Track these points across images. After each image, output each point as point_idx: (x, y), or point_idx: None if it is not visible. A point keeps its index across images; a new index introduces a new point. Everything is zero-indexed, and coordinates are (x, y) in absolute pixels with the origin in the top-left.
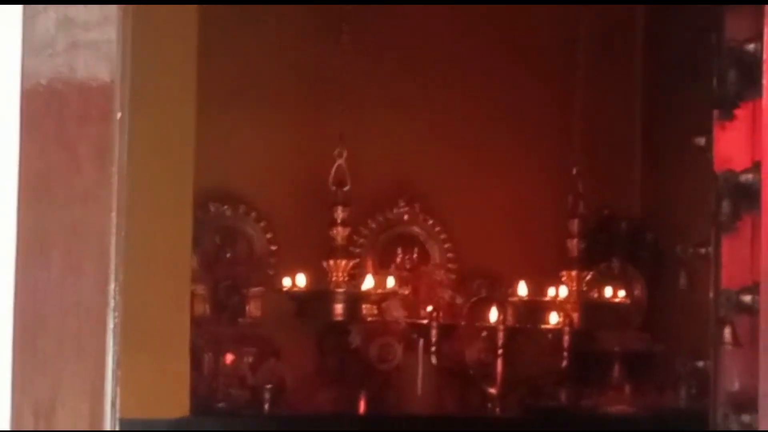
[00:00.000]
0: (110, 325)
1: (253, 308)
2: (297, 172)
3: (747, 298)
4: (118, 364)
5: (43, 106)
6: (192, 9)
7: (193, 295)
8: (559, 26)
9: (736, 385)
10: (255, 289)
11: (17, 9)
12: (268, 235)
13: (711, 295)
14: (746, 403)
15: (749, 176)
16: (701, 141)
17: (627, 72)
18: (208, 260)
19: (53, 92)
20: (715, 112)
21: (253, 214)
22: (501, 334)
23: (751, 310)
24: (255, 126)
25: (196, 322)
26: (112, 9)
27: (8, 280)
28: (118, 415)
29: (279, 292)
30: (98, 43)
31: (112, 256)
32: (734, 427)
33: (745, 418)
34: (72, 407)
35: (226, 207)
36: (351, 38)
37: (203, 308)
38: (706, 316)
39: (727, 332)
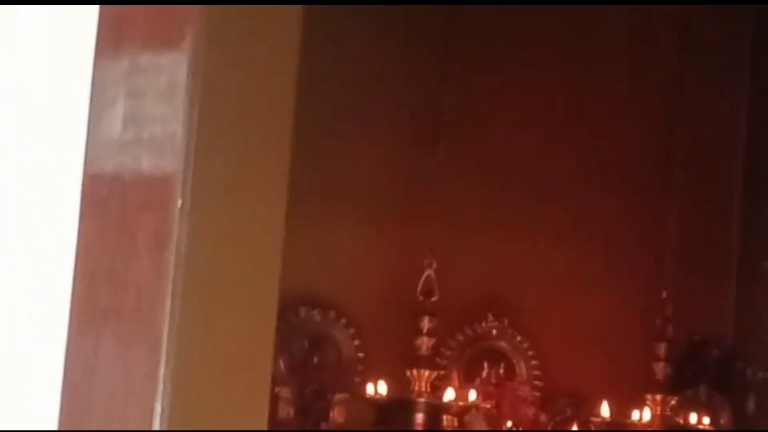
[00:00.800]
0: (158, 410)
1: (336, 414)
2: (387, 280)
3: None
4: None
5: (105, 191)
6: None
7: (277, 398)
8: (655, 141)
9: None
10: (340, 395)
11: (85, 101)
12: (356, 342)
13: None
14: None
15: None
16: None
17: (724, 193)
18: (295, 364)
19: (115, 178)
20: None
21: (343, 320)
22: None
23: None
24: (348, 231)
25: (279, 425)
26: (180, 104)
27: (59, 359)
28: None
29: (362, 399)
30: (163, 137)
31: (164, 343)
32: None
33: None
34: None
35: (316, 311)
36: (447, 148)
37: (287, 411)
38: None
39: None
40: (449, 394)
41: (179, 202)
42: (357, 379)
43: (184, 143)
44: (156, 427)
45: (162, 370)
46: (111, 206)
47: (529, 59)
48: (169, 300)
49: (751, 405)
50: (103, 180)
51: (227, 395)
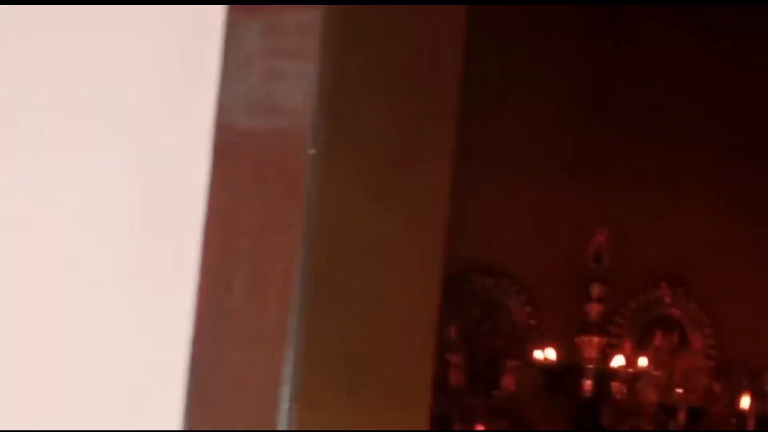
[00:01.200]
0: (288, 359)
1: (507, 380)
2: (559, 247)
3: None
4: (294, 407)
5: (237, 137)
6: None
7: (449, 364)
8: None
9: None
10: (511, 362)
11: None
12: (528, 309)
13: None
14: None
15: None
16: None
17: None
18: (466, 331)
19: (248, 121)
20: None
21: (515, 287)
22: (750, 423)
23: None
24: (521, 199)
25: (451, 391)
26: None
27: (189, 304)
28: None
29: (532, 365)
30: (297, 76)
31: (296, 288)
32: None
33: None
34: None
35: (489, 279)
36: (618, 114)
37: (458, 378)
38: None
39: None
40: (618, 361)
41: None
42: (528, 346)
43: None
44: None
45: (292, 316)
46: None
47: (708, 30)
48: (301, 246)
49: None
50: (236, 131)
51: (386, 361)
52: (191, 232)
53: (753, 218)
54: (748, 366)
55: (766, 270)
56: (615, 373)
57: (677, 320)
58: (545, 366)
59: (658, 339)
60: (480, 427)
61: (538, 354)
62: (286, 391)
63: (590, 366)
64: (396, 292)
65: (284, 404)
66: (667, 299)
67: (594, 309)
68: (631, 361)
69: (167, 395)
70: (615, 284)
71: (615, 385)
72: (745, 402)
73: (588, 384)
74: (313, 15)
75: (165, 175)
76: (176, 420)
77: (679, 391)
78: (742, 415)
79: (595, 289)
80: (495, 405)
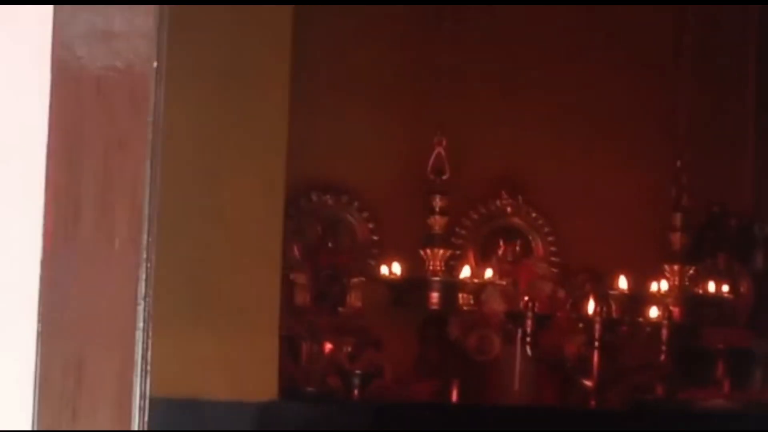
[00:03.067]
0: (142, 278)
1: (353, 298)
2: (400, 162)
3: None
4: (148, 326)
5: (76, 57)
6: None
7: (293, 284)
8: (667, 12)
9: None
10: (355, 279)
11: None
12: (370, 225)
13: None
14: None
15: None
16: None
17: (740, 57)
18: (309, 249)
19: (88, 42)
20: None
21: (356, 203)
22: (598, 327)
23: None
24: (358, 115)
25: (296, 311)
26: None
27: (36, 229)
28: (147, 386)
29: (378, 281)
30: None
31: (145, 209)
32: None
33: None
34: (99, 368)
35: (328, 196)
36: (453, 25)
37: (303, 297)
38: None
39: None
40: (465, 272)
41: (154, 64)
42: (372, 262)
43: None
44: (140, 302)
45: (145, 237)
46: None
47: None
48: (148, 164)
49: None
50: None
51: (234, 282)
52: (36, 153)
53: (592, 124)
54: (591, 271)
55: (606, 175)
56: (461, 285)
57: (519, 229)
58: (390, 281)
59: (501, 249)
60: (327, 345)
61: (383, 269)
62: (141, 311)
63: (436, 279)
64: (239, 212)
65: (140, 323)
66: (509, 209)
67: (437, 221)
68: (475, 272)
69: (20, 318)
70: (456, 196)
71: (461, 297)
72: (590, 307)
73: (434, 297)
74: None
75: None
76: (30, 345)
77: (525, 299)
78: (588, 319)
79: (437, 202)
80: (341, 322)
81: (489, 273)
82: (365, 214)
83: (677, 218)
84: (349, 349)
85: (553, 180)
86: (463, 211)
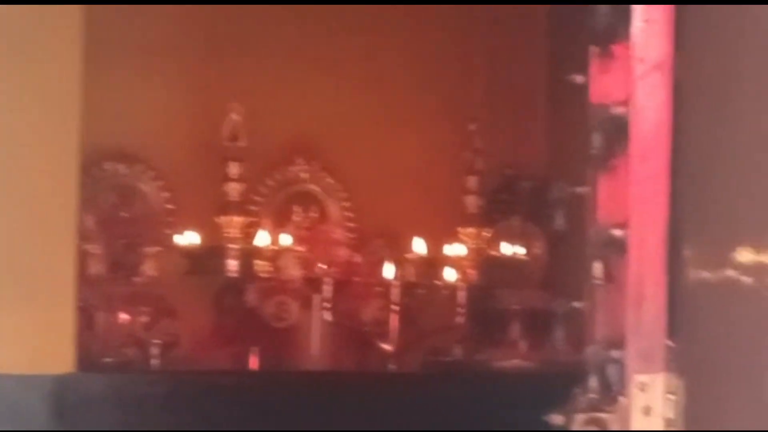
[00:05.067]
0: None
1: (149, 267)
2: (194, 129)
3: (618, 234)
4: None
5: None
6: None
7: (88, 254)
8: None
9: (607, 322)
10: (151, 248)
11: None
12: (165, 194)
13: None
14: (617, 339)
15: (620, 110)
16: (579, 78)
17: (530, 21)
18: (103, 219)
19: None
20: (592, 49)
21: (150, 172)
22: (396, 291)
23: (622, 246)
24: (151, 84)
25: (91, 281)
26: None
27: None
28: None
29: (174, 250)
30: None
31: None
32: (606, 363)
33: (615, 353)
34: None
35: (121, 165)
36: None
37: (98, 267)
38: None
39: (598, 268)
40: (261, 239)
41: None
42: (167, 231)
43: None
44: None
45: None
46: None
47: None
48: None
49: (561, 223)
50: None
51: (28, 254)
52: None
53: (386, 87)
54: (387, 235)
55: (400, 140)
56: (257, 252)
57: (315, 195)
58: (187, 249)
59: (297, 215)
60: (123, 315)
61: (179, 238)
62: None
63: (232, 246)
64: (32, 183)
65: None
66: (304, 174)
67: (233, 188)
68: (272, 239)
69: None
70: (251, 162)
71: (258, 264)
72: (387, 271)
73: (232, 264)
74: None
75: None
76: None
77: (322, 265)
78: (385, 283)
79: (233, 168)
80: (137, 292)
81: (285, 239)
82: (160, 183)
83: (471, 181)
84: (146, 318)
85: (348, 146)
86: (258, 177)
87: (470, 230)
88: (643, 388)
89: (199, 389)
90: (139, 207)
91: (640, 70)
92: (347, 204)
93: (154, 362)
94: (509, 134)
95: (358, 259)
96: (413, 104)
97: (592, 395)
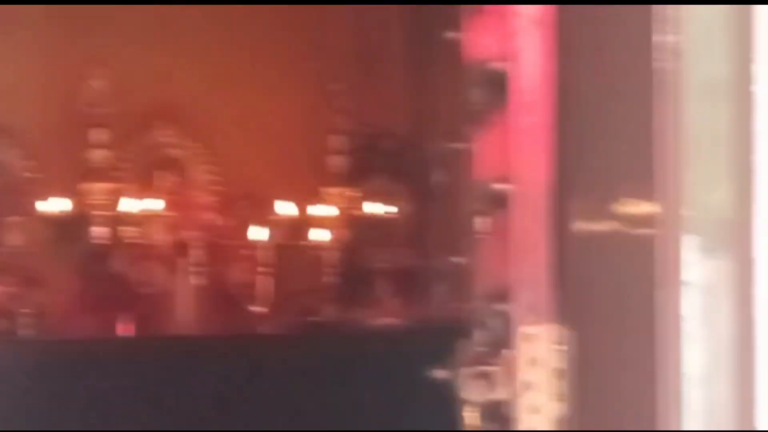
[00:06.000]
0: None
1: (11, 237)
2: (54, 96)
3: (500, 188)
4: None
5: None
6: None
7: None
8: None
9: (491, 276)
10: (11, 218)
11: None
12: (24, 162)
13: (465, 189)
14: (502, 292)
15: (499, 65)
16: (452, 35)
17: None
18: None
19: None
20: (465, 6)
21: (8, 140)
22: (264, 253)
23: (504, 200)
24: (6, 52)
25: None
26: None
27: None
28: None
29: (38, 219)
30: None
31: None
32: (490, 317)
33: (500, 306)
34: None
35: None
36: None
37: None
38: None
39: (481, 223)
40: (127, 205)
41: None
42: (29, 200)
43: None
44: None
45: None
46: None
47: None
48: None
49: (440, 179)
50: None
51: None
52: None
53: (245, 52)
54: (252, 197)
55: (262, 102)
56: (124, 218)
57: (179, 159)
58: (52, 218)
59: (162, 179)
60: None
61: (42, 206)
62: None
63: (97, 213)
64: None
65: None
66: (167, 139)
67: (97, 155)
68: (137, 205)
69: None
70: (115, 128)
71: (125, 230)
72: (256, 233)
73: (98, 231)
74: None
75: None
76: None
77: (188, 229)
78: (255, 245)
79: (96, 135)
80: (1, 262)
81: (151, 205)
82: (19, 152)
83: (335, 141)
84: (11, 288)
85: (210, 110)
86: (122, 143)
87: (335, 190)
88: (529, 339)
89: (68, 357)
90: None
91: (520, 25)
92: (211, 168)
93: (22, 332)
94: (372, 94)
95: (224, 222)
96: (275, 67)
97: (478, 348)
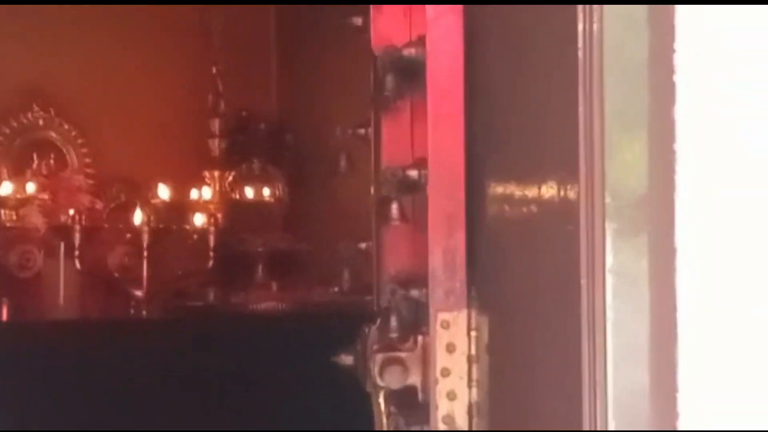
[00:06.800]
0: None
1: None
2: None
3: (413, 174)
4: None
5: None
6: None
7: None
8: None
9: (404, 262)
10: None
11: None
12: None
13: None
14: (415, 278)
15: (412, 51)
16: (358, 21)
17: None
18: None
19: None
20: None
21: None
22: (144, 237)
23: (418, 186)
24: None
25: None
26: None
27: None
28: None
29: None
30: None
31: None
32: (402, 302)
33: (414, 292)
34: None
35: None
36: None
37: None
38: (367, 198)
39: (394, 209)
40: (6, 188)
41: None
42: None
43: None
44: None
45: None
46: None
47: None
48: None
49: (343, 165)
50: None
51: None
52: None
53: (123, 33)
54: (128, 181)
55: (140, 84)
56: (2, 202)
57: (53, 142)
58: None
59: (35, 163)
60: None
61: None
62: None
63: None
64: None
65: None
66: (41, 121)
67: None
68: (14, 188)
69: None
70: None
71: (3, 213)
72: (134, 216)
73: None
74: None
75: None
76: None
77: (65, 212)
78: (133, 229)
79: None
80: None
81: (30, 188)
82: None
83: (215, 124)
84: None
85: (85, 91)
86: None
87: (215, 173)
88: (445, 325)
89: None
90: None
91: (433, 11)
92: (86, 150)
93: None
94: (243, 77)
95: (99, 205)
96: (152, 49)
97: (392, 335)
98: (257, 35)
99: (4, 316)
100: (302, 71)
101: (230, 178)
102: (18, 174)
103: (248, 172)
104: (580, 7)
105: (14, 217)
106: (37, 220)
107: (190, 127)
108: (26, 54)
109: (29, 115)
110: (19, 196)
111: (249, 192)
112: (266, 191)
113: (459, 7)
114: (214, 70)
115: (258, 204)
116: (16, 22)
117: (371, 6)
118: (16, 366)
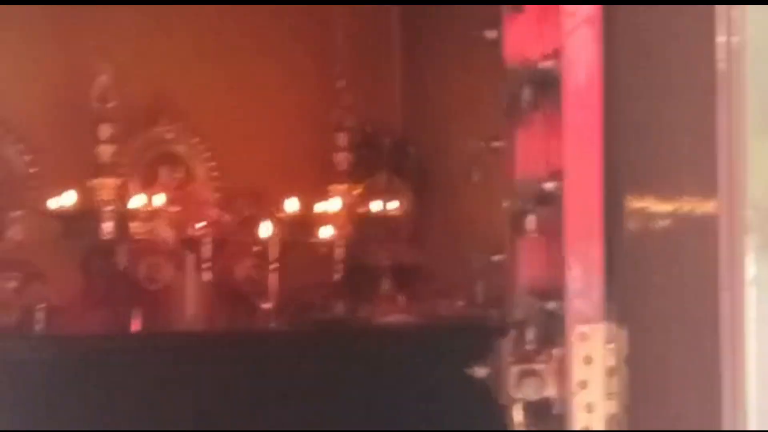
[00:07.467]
0: None
1: (14, 232)
2: (56, 90)
3: (549, 186)
4: None
5: None
6: None
7: None
8: None
9: (540, 274)
10: (14, 213)
11: None
12: (26, 157)
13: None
14: (551, 291)
15: (548, 64)
16: (492, 34)
17: None
18: None
19: None
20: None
21: (9, 135)
22: (271, 249)
23: (553, 198)
24: (11, 45)
25: None
26: None
27: None
28: None
29: (43, 214)
30: None
31: None
32: (538, 314)
33: (551, 305)
34: None
35: None
36: None
37: None
38: (497, 210)
39: (530, 221)
40: (136, 201)
41: None
42: (32, 195)
43: None
44: None
45: None
46: None
47: None
48: None
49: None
50: None
51: None
52: None
53: (250, 50)
54: (255, 194)
55: (266, 99)
56: (131, 214)
57: (181, 155)
58: (59, 213)
59: (164, 176)
60: None
61: (51, 202)
62: None
63: (105, 209)
64: None
65: None
66: (169, 135)
67: (105, 151)
68: (143, 201)
69: None
70: (118, 124)
71: (133, 226)
72: (262, 229)
73: (105, 227)
74: None
75: None
76: None
77: (193, 225)
78: (258, 242)
79: (104, 130)
80: (3, 258)
81: (157, 201)
82: (21, 146)
83: (341, 138)
84: (14, 283)
85: (213, 105)
86: (125, 138)
87: (341, 187)
88: (583, 338)
89: (75, 354)
90: (1, 172)
91: (569, 24)
92: (213, 164)
93: (30, 328)
94: (367, 91)
95: (227, 218)
96: (278, 65)
97: (528, 347)
98: (381, 50)
99: (134, 328)
100: (426, 85)
101: (357, 192)
102: (146, 187)
103: (374, 186)
104: (718, 18)
105: (143, 230)
106: (165, 232)
107: (316, 141)
108: (153, 69)
109: (157, 129)
110: (148, 209)
111: (375, 205)
112: (392, 204)
113: (596, 19)
114: (338, 85)
115: (384, 217)
116: (145, 37)
117: (504, 18)
118: (144, 376)
